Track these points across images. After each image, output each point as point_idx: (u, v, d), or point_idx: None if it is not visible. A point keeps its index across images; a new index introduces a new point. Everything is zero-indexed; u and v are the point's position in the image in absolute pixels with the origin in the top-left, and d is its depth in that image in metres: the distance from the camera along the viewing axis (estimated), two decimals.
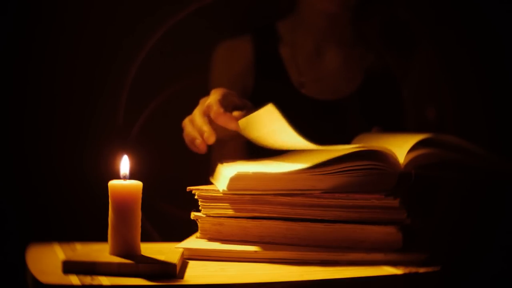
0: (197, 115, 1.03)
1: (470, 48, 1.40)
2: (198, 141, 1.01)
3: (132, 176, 0.84)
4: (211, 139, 1.00)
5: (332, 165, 0.88)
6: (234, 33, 1.42)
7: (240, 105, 1.05)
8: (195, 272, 0.82)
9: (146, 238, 0.87)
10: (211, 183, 1.00)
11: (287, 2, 1.42)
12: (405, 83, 1.39)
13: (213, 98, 1.02)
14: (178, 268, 0.80)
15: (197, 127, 1.02)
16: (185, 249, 0.88)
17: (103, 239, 0.85)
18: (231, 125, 1.00)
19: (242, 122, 0.98)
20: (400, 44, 1.39)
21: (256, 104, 1.32)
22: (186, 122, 1.05)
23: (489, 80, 1.40)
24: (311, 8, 1.36)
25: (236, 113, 1.01)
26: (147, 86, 1.43)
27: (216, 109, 1.00)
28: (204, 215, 0.93)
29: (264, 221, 0.91)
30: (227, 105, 1.02)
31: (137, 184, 0.82)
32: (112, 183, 0.82)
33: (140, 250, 0.83)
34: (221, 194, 0.91)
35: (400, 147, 0.94)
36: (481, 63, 1.39)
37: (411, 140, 0.94)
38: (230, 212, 0.91)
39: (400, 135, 1.02)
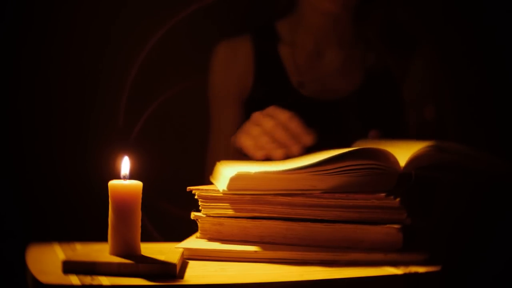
0: (275, 128, 1.07)
1: (470, 49, 1.40)
2: (296, 147, 1.06)
3: (132, 176, 0.84)
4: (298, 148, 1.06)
5: (332, 164, 0.88)
6: (234, 33, 1.42)
7: None
8: (195, 272, 0.82)
9: (147, 238, 0.87)
10: (211, 183, 1.00)
11: (286, 2, 1.41)
12: (405, 83, 1.39)
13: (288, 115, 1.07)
14: (178, 268, 0.80)
15: (286, 137, 1.06)
16: (185, 249, 0.88)
17: (103, 239, 0.85)
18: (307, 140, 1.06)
19: None
20: (400, 44, 1.39)
21: (255, 103, 1.32)
22: (255, 134, 1.08)
23: (490, 81, 1.40)
24: (311, 8, 1.36)
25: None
26: (148, 87, 1.43)
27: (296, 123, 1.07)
28: (204, 215, 0.93)
29: (264, 221, 0.91)
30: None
31: (137, 184, 0.82)
32: (112, 183, 0.82)
33: (140, 250, 0.83)
34: (221, 194, 0.91)
35: (402, 154, 0.93)
36: (482, 63, 1.39)
37: (413, 147, 0.94)
38: (230, 212, 0.91)
39: (400, 142, 1.02)
